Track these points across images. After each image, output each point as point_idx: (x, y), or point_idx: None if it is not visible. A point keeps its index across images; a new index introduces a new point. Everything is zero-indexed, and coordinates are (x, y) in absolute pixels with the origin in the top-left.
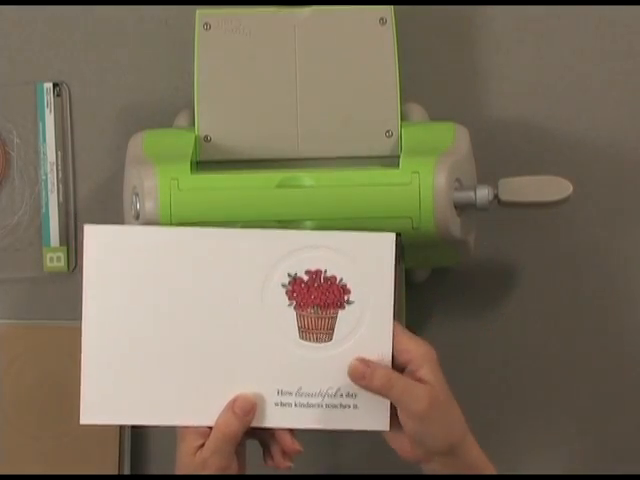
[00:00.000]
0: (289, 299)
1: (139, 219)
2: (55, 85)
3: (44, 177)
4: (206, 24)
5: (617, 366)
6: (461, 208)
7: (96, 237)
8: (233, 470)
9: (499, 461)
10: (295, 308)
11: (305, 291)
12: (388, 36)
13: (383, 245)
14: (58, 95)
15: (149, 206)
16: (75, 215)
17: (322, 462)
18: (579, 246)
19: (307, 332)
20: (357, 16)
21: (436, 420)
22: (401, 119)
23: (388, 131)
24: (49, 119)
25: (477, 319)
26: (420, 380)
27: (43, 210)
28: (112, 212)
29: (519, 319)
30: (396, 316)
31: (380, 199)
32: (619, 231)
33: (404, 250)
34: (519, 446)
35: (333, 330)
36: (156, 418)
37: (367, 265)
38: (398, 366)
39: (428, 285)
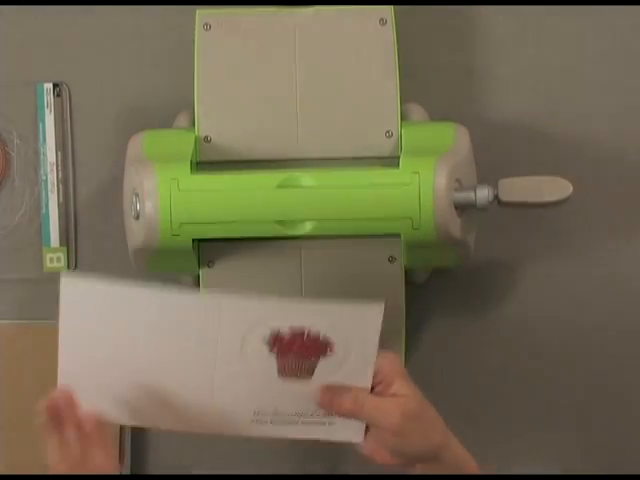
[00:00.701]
0: (270, 350)
1: (139, 219)
2: (55, 85)
3: (44, 177)
4: (206, 24)
5: (617, 366)
6: (461, 208)
7: (73, 288)
8: None
9: (498, 461)
10: (276, 356)
11: (287, 344)
12: (388, 36)
13: (371, 314)
14: (58, 95)
15: (149, 206)
16: (75, 215)
17: (323, 463)
18: (579, 246)
19: (286, 373)
20: (357, 16)
21: (412, 431)
22: (401, 119)
23: (388, 131)
24: (49, 119)
25: (477, 319)
26: (394, 395)
27: (43, 210)
28: (112, 212)
29: (519, 319)
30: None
31: (380, 199)
32: (619, 231)
33: (404, 250)
34: (519, 446)
35: (313, 371)
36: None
37: (353, 329)
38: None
39: (428, 285)
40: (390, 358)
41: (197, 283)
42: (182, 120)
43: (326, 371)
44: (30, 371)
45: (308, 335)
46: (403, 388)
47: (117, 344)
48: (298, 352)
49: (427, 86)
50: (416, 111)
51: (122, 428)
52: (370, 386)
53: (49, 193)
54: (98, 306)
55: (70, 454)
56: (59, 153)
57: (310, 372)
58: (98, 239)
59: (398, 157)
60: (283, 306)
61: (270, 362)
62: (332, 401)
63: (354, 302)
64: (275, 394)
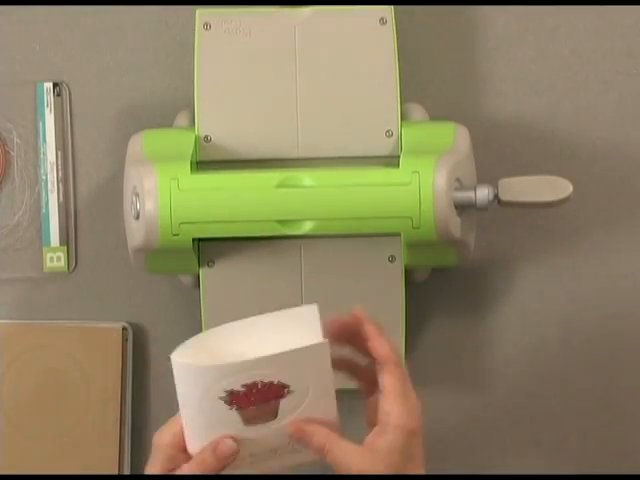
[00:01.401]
0: (229, 406)
1: (139, 219)
2: (55, 85)
3: (44, 177)
4: (206, 24)
5: (617, 366)
6: (461, 208)
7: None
8: None
9: (498, 460)
10: (236, 409)
11: (244, 397)
12: (388, 36)
13: (317, 352)
14: (58, 95)
15: (149, 206)
16: (75, 215)
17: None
18: (579, 246)
19: (252, 421)
20: (357, 16)
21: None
22: (401, 119)
23: (388, 131)
24: (49, 119)
25: (477, 319)
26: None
27: (43, 210)
28: (112, 212)
29: (519, 319)
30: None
31: (380, 199)
32: (619, 231)
33: (404, 249)
34: (519, 446)
35: (277, 412)
36: None
37: (303, 368)
38: (373, 422)
39: (428, 285)
40: (404, 410)
41: (197, 283)
42: (182, 119)
43: (289, 408)
44: (30, 371)
45: (261, 384)
46: (384, 444)
47: None
48: (256, 401)
49: (427, 86)
50: (416, 111)
51: (122, 428)
52: (335, 418)
53: (49, 193)
54: None
55: None
56: (59, 152)
57: (274, 414)
58: (98, 239)
59: (398, 157)
60: (230, 368)
61: (233, 415)
62: (304, 434)
63: (297, 346)
64: (246, 440)
